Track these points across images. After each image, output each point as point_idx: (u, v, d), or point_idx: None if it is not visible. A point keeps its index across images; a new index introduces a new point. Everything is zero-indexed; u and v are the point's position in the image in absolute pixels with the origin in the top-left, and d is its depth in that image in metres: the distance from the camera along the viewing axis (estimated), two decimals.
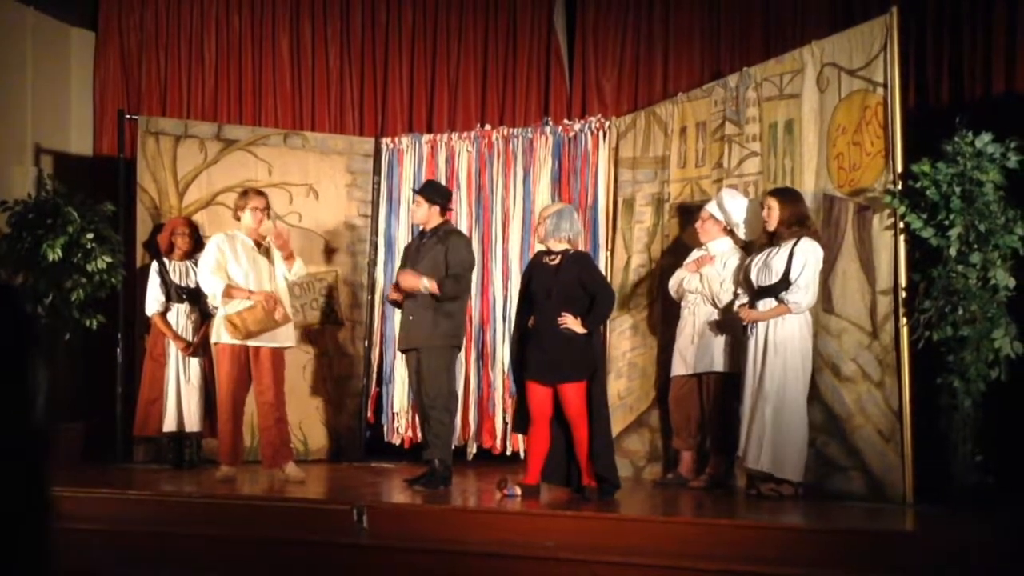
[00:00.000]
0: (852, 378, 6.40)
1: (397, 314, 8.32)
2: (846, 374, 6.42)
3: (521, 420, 6.58)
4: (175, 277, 8.04)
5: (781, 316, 6.38)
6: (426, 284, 6.73)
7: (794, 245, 6.42)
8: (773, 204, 6.53)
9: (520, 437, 7.81)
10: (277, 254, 7.22)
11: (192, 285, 8.00)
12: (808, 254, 6.39)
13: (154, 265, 8.07)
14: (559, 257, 6.44)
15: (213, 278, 7.06)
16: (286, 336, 7.22)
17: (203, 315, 8.11)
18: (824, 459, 6.47)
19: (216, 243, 7.19)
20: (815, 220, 6.63)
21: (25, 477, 1.88)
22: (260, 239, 7.24)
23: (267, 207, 7.29)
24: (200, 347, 8.04)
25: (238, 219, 7.25)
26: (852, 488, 6.31)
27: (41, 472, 1.92)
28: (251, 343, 7.06)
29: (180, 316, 8.04)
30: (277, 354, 7.17)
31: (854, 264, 6.46)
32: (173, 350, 7.97)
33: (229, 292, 7.04)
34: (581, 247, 6.81)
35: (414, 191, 7.38)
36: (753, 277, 6.60)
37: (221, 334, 7.08)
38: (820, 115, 6.77)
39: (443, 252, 6.86)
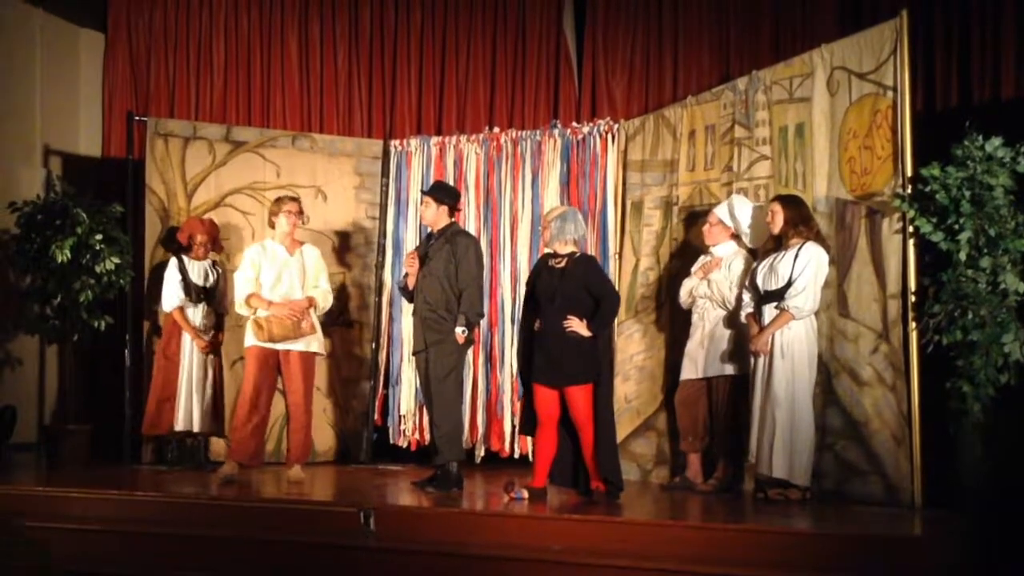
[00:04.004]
0: (869, 382, 6.38)
1: (405, 316, 8.34)
2: (864, 378, 6.41)
3: (528, 422, 6.58)
4: (194, 276, 8.05)
5: (787, 324, 6.39)
6: (459, 332, 6.77)
7: (799, 249, 6.44)
8: (777, 208, 6.59)
9: (528, 440, 7.82)
10: (310, 264, 7.39)
11: (209, 285, 8.06)
12: (810, 258, 6.41)
13: (173, 261, 8.06)
14: (564, 260, 6.43)
15: (240, 286, 7.29)
16: (315, 342, 7.36)
17: (218, 316, 8.15)
18: (844, 463, 6.45)
19: (249, 256, 7.40)
20: (828, 225, 6.63)
21: None
22: (295, 246, 7.37)
23: (300, 211, 7.45)
24: (214, 346, 8.08)
25: (273, 226, 7.40)
26: (871, 492, 6.28)
27: None
28: (279, 347, 7.21)
29: (197, 315, 8.05)
30: (307, 358, 7.31)
31: (868, 268, 6.44)
32: (188, 349, 7.97)
33: (250, 300, 7.23)
34: (587, 250, 6.80)
35: (423, 192, 7.40)
36: (759, 281, 6.61)
37: (249, 336, 7.24)
38: (831, 119, 6.76)
39: (451, 253, 6.86)
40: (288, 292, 7.28)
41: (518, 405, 8.02)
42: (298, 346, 7.24)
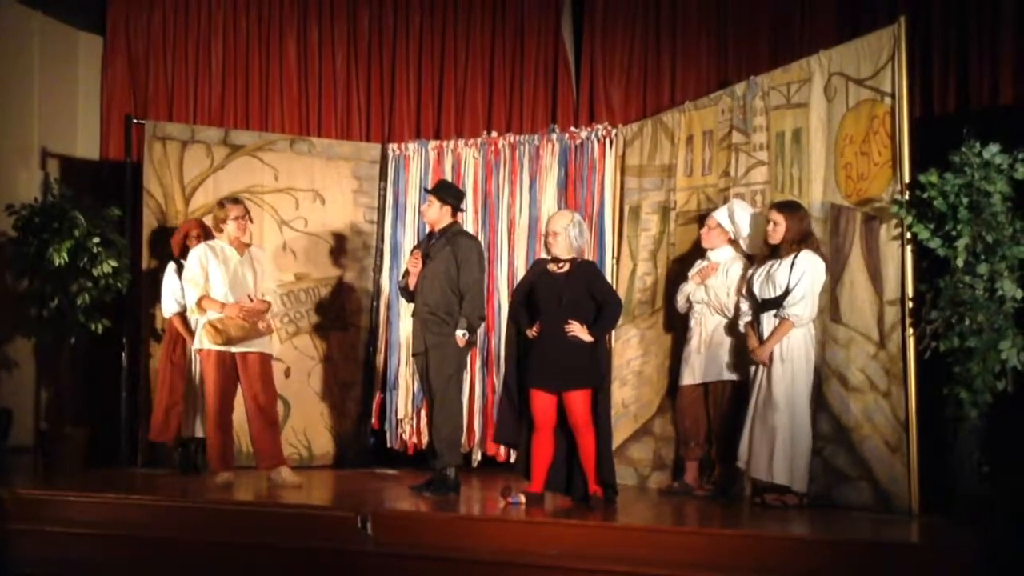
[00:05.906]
0: (859, 388, 6.39)
1: (403, 320, 8.34)
2: (853, 384, 6.42)
3: (504, 429, 6.58)
4: None
5: (787, 333, 6.39)
6: (460, 336, 6.75)
7: (795, 257, 6.44)
8: (779, 219, 6.54)
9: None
10: (261, 265, 7.42)
11: None
12: (807, 266, 6.41)
13: (171, 266, 8.01)
14: (568, 265, 6.43)
15: (190, 289, 7.25)
16: (268, 343, 7.43)
17: None
18: (831, 469, 6.45)
19: (197, 254, 7.33)
20: (822, 230, 6.63)
21: None
22: (243, 248, 7.36)
23: (247, 213, 7.42)
24: None
25: (220, 231, 7.36)
26: (859, 498, 6.30)
27: None
28: (235, 349, 7.21)
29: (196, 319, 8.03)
30: (265, 358, 7.34)
31: (862, 274, 6.45)
32: (192, 354, 7.94)
33: (201, 303, 7.21)
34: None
35: (426, 190, 7.37)
36: (756, 290, 6.62)
37: (203, 340, 7.22)
38: (828, 125, 6.77)
39: (452, 254, 6.82)
40: (241, 294, 7.25)
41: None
42: (254, 347, 7.25)
